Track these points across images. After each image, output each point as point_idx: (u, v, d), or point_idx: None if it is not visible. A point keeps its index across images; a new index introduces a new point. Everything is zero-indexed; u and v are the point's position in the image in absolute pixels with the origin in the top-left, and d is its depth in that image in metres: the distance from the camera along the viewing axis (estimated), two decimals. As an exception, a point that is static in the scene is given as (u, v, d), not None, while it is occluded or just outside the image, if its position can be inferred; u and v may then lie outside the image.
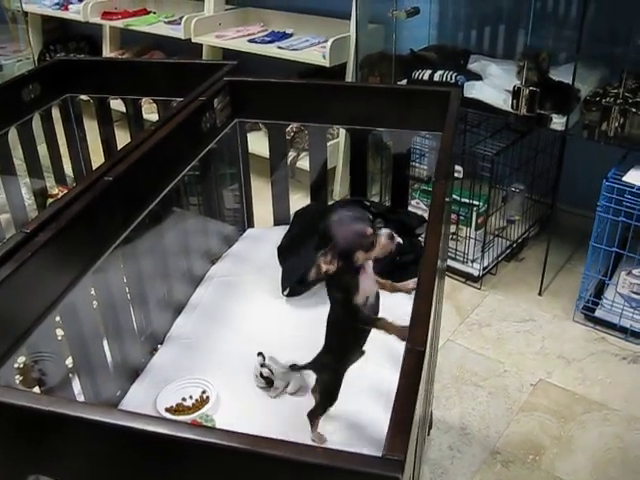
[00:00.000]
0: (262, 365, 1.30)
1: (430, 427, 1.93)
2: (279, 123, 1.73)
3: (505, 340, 2.33)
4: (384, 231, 1.05)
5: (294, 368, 1.28)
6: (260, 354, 1.32)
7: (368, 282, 1.09)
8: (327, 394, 1.21)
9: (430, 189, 2.60)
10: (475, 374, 2.18)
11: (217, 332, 1.46)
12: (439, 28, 2.98)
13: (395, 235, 1.04)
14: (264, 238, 1.77)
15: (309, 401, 1.25)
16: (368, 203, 1.72)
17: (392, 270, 1.32)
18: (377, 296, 1.12)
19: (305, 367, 1.26)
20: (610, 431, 1.97)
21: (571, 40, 2.24)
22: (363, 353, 1.18)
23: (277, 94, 1.71)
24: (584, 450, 1.91)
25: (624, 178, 2.16)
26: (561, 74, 2.36)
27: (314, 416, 1.22)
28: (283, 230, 1.71)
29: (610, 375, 2.18)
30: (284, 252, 1.57)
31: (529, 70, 2.30)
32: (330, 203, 1.81)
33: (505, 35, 2.84)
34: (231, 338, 1.43)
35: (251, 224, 1.90)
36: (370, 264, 1.09)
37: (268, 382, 1.29)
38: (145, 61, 3.16)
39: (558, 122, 2.30)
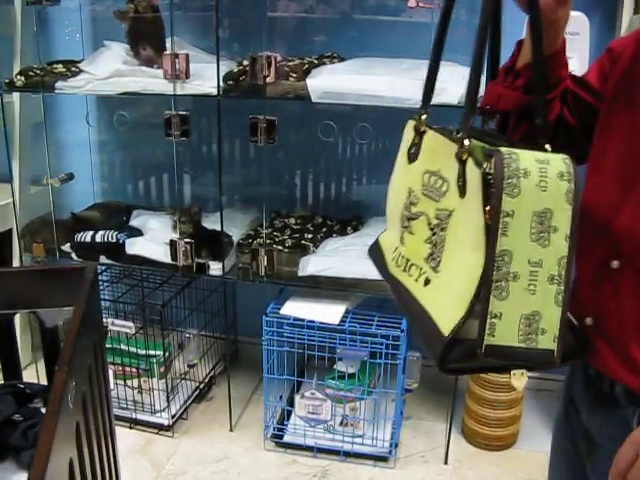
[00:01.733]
0: None
1: None
2: None
3: (201, 484, 2.37)
4: None
5: None
6: None
7: None
8: None
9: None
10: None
11: None
12: (103, 183, 3.06)
13: None
14: None
15: None
16: (22, 385, 1.69)
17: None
18: None
19: None
20: None
21: (224, 187, 2.43)
22: None
23: None
24: None
25: (281, 311, 2.36)
26: (217, 220, 2.53)
27: None
28: None
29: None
30: None
31: (183, 223, 2.45)
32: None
33: (165, 187, 3.00)
34: None
35: None
36: None
37: None
38: None
39: (216, 268, 2.45)
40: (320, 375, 2.55)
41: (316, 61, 2.38)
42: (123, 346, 2.54)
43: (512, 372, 0.90)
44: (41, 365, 2.21)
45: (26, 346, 2.76)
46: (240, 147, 2.82)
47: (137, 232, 2.63)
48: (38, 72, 2.51)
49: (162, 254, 2.48)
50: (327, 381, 2.49)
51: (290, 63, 2.28)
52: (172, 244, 2.42)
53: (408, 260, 1.02)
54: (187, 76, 2.29)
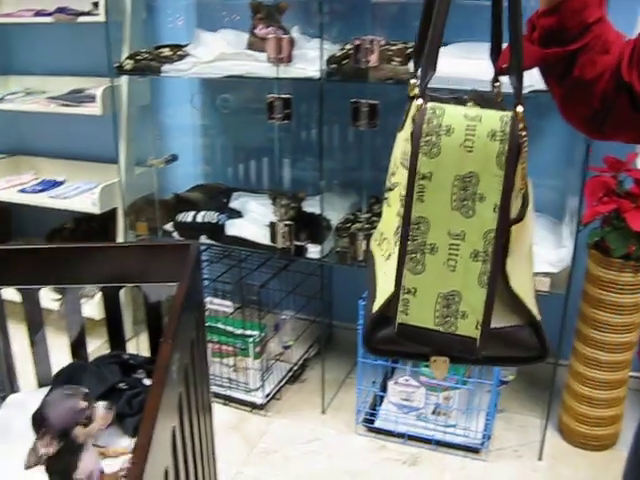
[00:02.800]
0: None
1: None
2: (31, 288, 1.75)
3: (293, 463, 2.40)
4: (100, 403, 1.08)
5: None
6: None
7: (89, 459, 1.11)
8: None
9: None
10: (265, 503, 2.22)
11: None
12: (205, 166, 3.14)
13: (111, 407, 1.08)
14: (27, 403, 1.73)
15: None
16: (127, 356, 1.76)
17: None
18: (102, 471, 1.14)
19: None
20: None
21: (324, 170, 2.45)
22: None
23: (26, 259, 1.73)
24: None
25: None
26: (317, 204, 2.56)
27: None
28: (46, 391, 1.69)
29: (392, 481, 2.31)
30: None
31: (283, 205, 2.48)
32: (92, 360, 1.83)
33: (264, 170, 3.04)
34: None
35: (15, 389, 1.86)
36: (91, 441, 1.11)
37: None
38: None
39: (314, 251, 2.47)
40: (415, 362, 2.54)
41: (419, 46, 2.35)
42: (220, 325, 2.60)
43: (432, 358, 0.82)
44: (142, 339, 2.30)
45: (128, 320, 2.86)
46: (340, 131, 2.82)
47: (237, 214, 2.68)
48: (146, 56, 2.59)
49: (261, 236, 2.52)
50: (421, 368, 2.48)
51: (393, 47, 2.27)
52: (272, 226, 2.45)
53: (382, 234, 0.93)
54: (290, 60, 2.31)
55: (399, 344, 0.79)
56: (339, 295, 3.01)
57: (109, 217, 3.07)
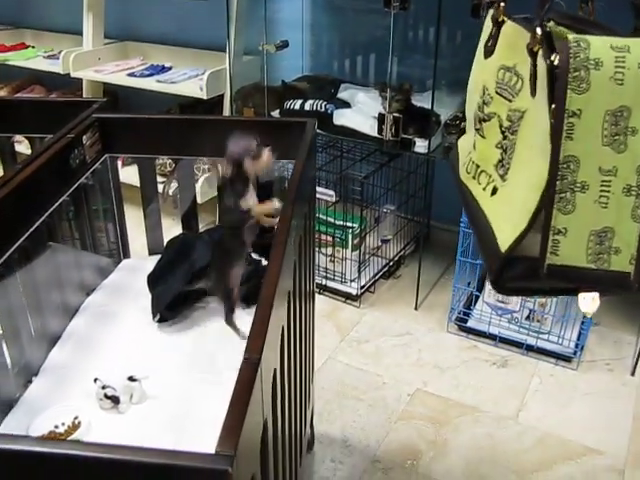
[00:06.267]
0: (103, 387, 1.36)
1: (312, 442, 2.02)
2: (148, 157, 1.80)
3: (383, 354, 2.44)
4: (267, 148, 1.39)
5: (132, 379, 1.37)
6: (96, 379, 1.38)
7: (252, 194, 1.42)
8: (226, 295, 1.50)
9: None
10: (355, 388, 2.28)
11: (91, 360, 1.49)
12: (312, 58, 3.11)
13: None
14: (139, 268, 1.81)
15: (153, 407, 1.37)
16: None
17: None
18: None
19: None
20: (481, 431, 2.10)
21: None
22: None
23: (145, 129, 1.77)
24: (457, 451, 2.03)
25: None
26: (425, 100, 2.51)
27: (230, 320, 1.50)
28: (157, 259, 1.76)
29: (481, 380, 2.33)
30: (153, 280, 1.63)
31: (392, 98, 2.44)
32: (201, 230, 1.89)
33: (373, 63, 3.00)
34: (103, 365, 1.47)
35: (127, 255, 1.95)
36: (254, 180, 1.41)
37: (114, 400, 1.35)
38: (17, 99, 3.15)
39: (421, 145, 2.44)
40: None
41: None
42: (321, 215, 2.63)
43: (581, 296, 0.78)
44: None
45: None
46: (454, 27, 2.73)
47: (345, 104, 2.66)
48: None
49: (368, 127, 2.50)
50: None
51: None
52: (380, 118, 2.43)
53: (478, 166, 0.92)
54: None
55: (536, 281, 0.77)
56: (438, 196, 2.98)
57: (214, 104, 3.10)
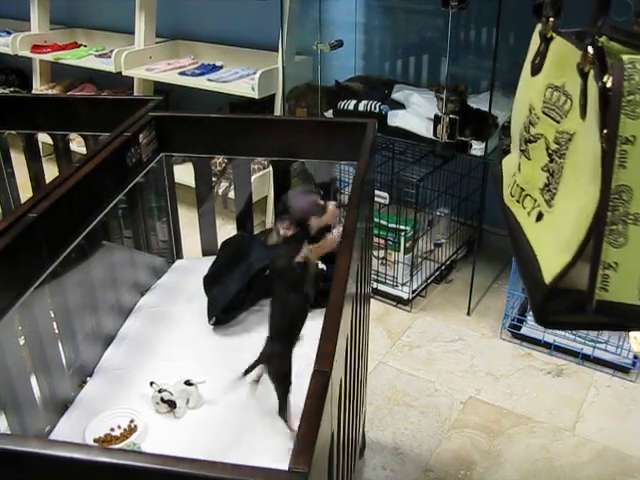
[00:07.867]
0: (160, 391, 1.34)
1: (363, 449, 1.98)
2: (203, 156, 1.78)
3: (435, 360, 2.40)
4: (332, 202, 1.26)
5: (188, 383, 1.35)
6: (152, 383, 1.36)
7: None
8: (281, 382, 1.28)
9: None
10: (407, 394, 2.24)
11: (145, 362, 1.48)
12: (365, 59, 3.08)
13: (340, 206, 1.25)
14: (193, 269, 1.80)
15: (209, 412, 1.35)
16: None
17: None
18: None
19: (254, 364, 1.33)
20: (536, 442, 2.04)
21: (490, 69, 2.34)
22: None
23: (201, 128, 1.75)
24: (512, 462, 1.98)
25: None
26: (481, 102, 2.46)
27: (283, 412, 1.29)
28: (211, 260, 1.74)
29: (536, 389, 2.27)
30: (209, 282, 1.61)
31: (448, 99, 2.39)
32: (257, 232, 1.86)
33: (427, 65, 2.95)
34: (158, 367, 1.46)
35: (180, 255, 1.93)
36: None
37: (171, 404, 1.34)
38: (72, 97, 3.17)
39: (478, 148, 2.39)
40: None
41: None
42: (374, 217, 2.58)
43: (632, 335, 0.72)
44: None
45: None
46: (513, 29, 2.67)
47: (399, 105, 2.62)
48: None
49: (423, 129, 2.46)
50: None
51: None
52: (436, 119, 2.38)
53: (522, 190, 0.87)
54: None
55: (582, 316, 0.73)
56: (492, 200, 2.92)
57: (265, 103, 3.08)
